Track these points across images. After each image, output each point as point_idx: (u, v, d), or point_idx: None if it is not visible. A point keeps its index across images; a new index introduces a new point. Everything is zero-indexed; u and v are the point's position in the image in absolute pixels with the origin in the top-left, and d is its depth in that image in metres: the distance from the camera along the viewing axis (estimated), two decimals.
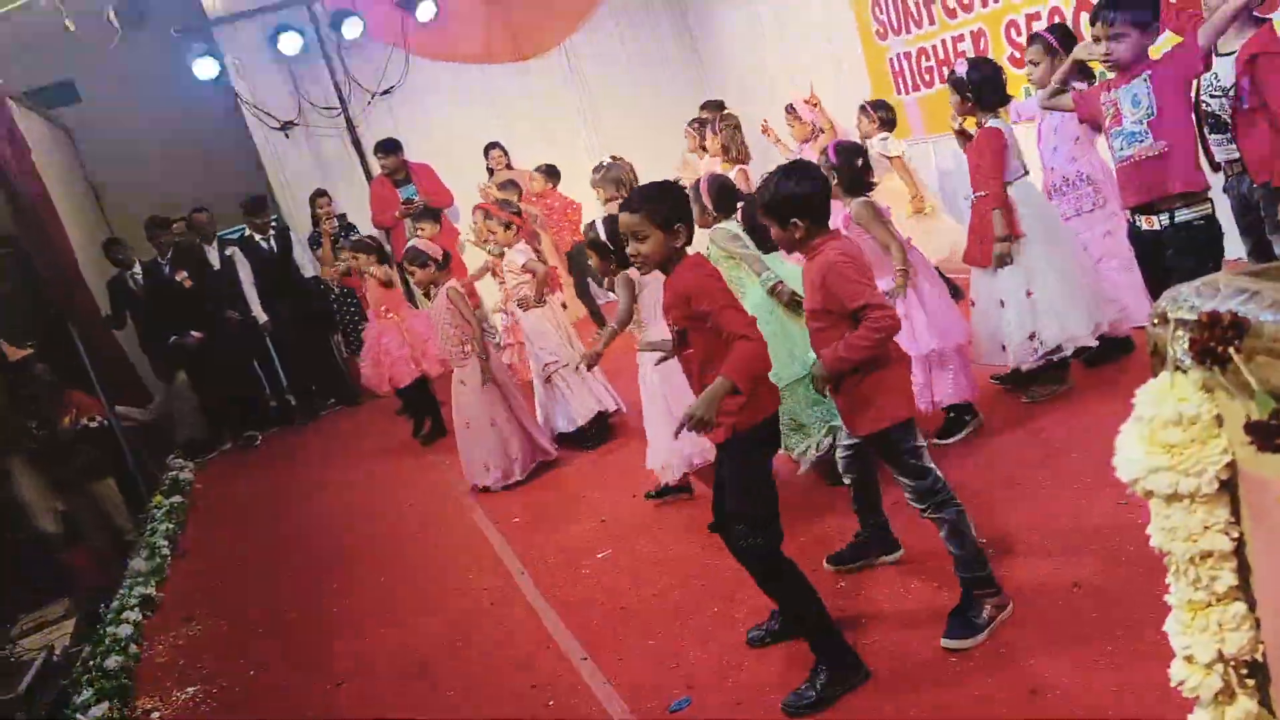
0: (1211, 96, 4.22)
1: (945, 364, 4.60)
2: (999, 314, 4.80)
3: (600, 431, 6.21)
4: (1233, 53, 4.04)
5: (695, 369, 3.18)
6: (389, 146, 9.22)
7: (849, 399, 3.27)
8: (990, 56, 4.99)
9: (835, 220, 4.64)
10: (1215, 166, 4.31)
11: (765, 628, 3.48)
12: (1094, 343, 4.83)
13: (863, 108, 6.93)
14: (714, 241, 4.61)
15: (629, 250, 3.20)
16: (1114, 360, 5.00)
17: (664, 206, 3.10)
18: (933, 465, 3.22)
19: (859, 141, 5.87)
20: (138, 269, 8.85)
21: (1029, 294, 4.70)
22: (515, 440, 5.93)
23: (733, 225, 4.61)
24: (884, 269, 4.41)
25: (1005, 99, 4.80)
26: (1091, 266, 4.96)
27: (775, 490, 3.16)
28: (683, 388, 4.39)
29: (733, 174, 6.06)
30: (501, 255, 6.44)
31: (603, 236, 4.76)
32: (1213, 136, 4.29)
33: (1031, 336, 4.71)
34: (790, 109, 7.49)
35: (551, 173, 9.04)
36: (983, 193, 4.70)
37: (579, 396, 6.12)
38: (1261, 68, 3.93)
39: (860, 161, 4.46)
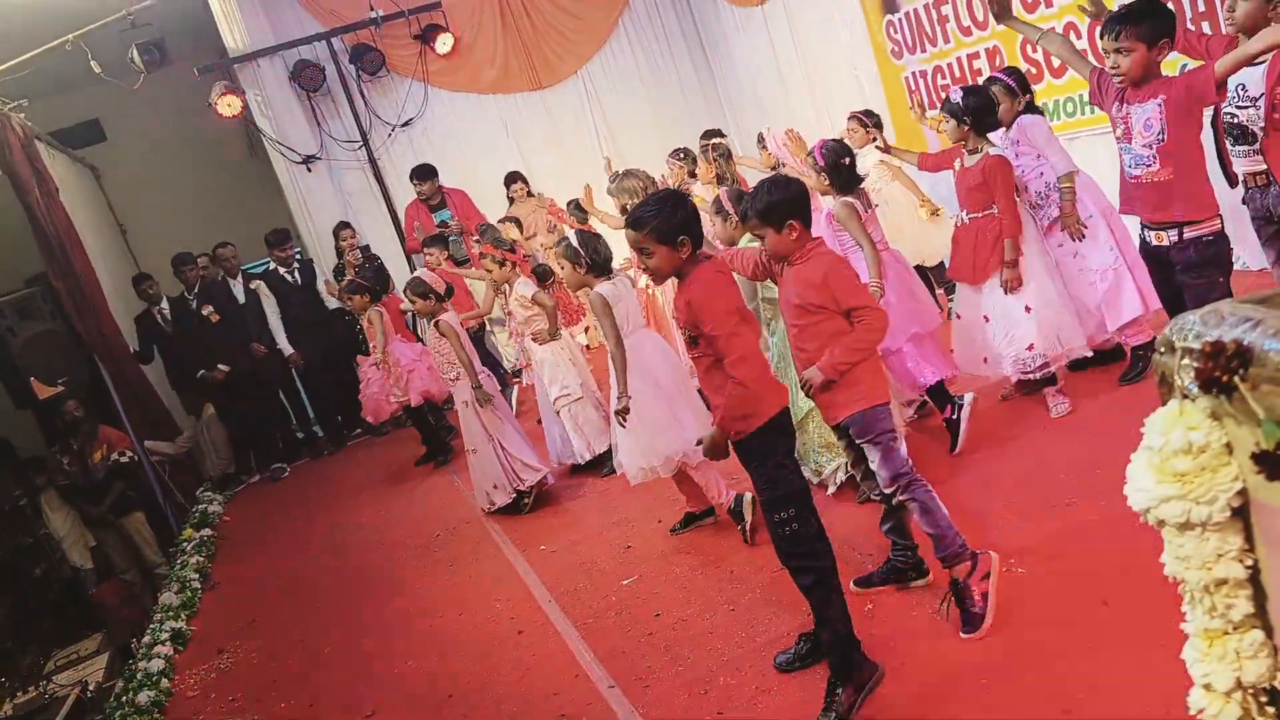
0: (1239, 107, 4.12)
1: (920, 347, 4.84)
2: (984, 329, 4.95)
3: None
4: (1263, 61, 3.93)
5: (703, 370, 3.30)
6: (425, 172, 9.34)
7: (829, 389, 3.43)
8: (981, 85, 5.07)
9: (818, 219, 4.83)
10: (1232, 181, 4.24)
11: (794, 652, 3.48)
12: (1089, 353, 5.02)
13: (854, 117, 6.98)
14: None
15: (639, 265, 3.32)
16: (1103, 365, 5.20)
17: (666, 221, 3.15)
18: (904, 450, 3.48)
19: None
20: (165, 304, 8.95)
21: (1028, 309, 4.82)
22: (497, 466, 5.99)
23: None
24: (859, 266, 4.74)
25: (997, 124, 4.94)
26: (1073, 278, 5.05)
27: (801, 477, 3.27)
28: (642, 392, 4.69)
29: None
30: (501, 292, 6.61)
31: (574, 243, 4.96)
32: (1236, 148, 4.20)
33: (1030, 348, 4.83)
34: (760, 140, 7.54)
35: (582, 211, 9.06)
36: (978, 214, 4.82)
37: (594, 428, 6.17)
38: None
39: (847, 160, 4.81)
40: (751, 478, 3.31)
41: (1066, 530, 3.76)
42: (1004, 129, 5.07)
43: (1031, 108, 5.14)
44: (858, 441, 3.49)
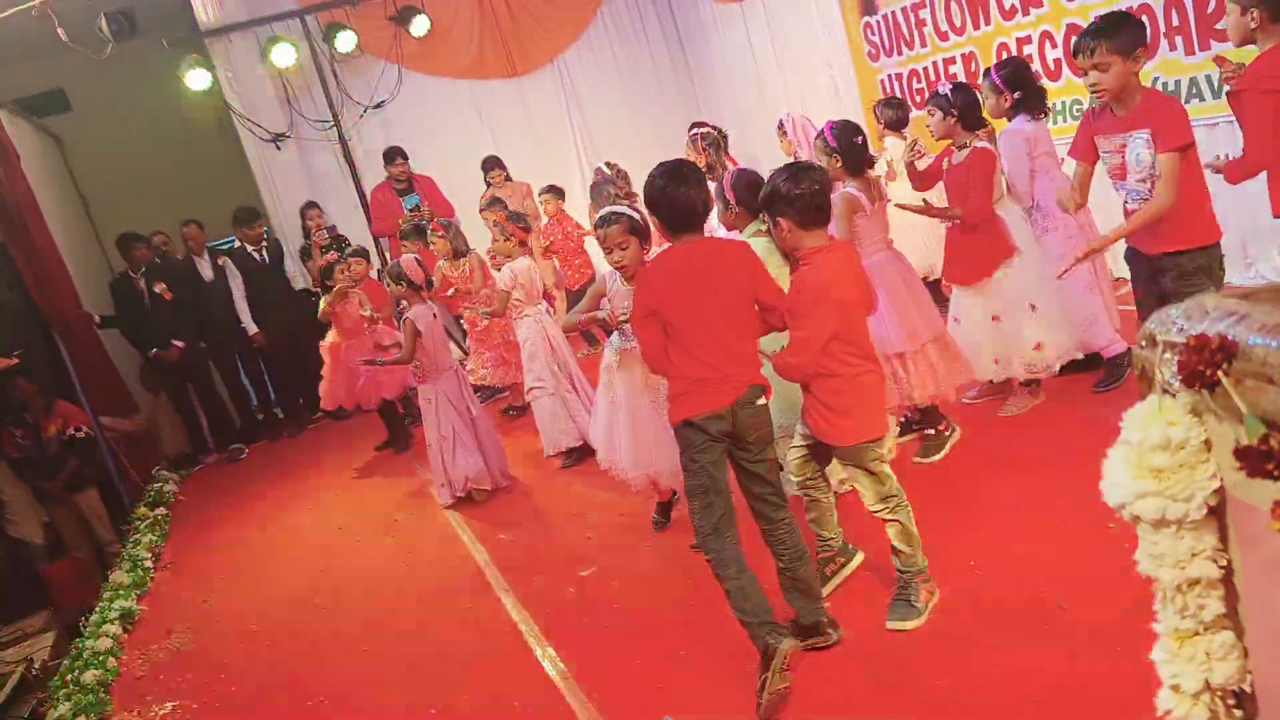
0: None
1: (922, 360, 4.54)
2: (991, 329, 4.83)
3: (579, 453, 6.16)
4: None
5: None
6: (400, 154, 9.28)
7: (826, 413, 3.34)
8: (967, 84, 4.98)
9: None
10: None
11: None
12: (1080, 355, 4.98)
13: (873, 109, 6.93)
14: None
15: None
16: (1085, 370, 5.12)
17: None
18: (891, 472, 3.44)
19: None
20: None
21: (1033, 307, 4.77)
22: (451, 460, 5.97)
23: (763, 241, 4.16)
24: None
25: (983, 122, 4.86)
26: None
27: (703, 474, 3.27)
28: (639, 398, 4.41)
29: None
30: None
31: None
32: None
33: (1038, 347, 4.78)
34: (781, 125, 7.49)
35: (558, 193, 8.95)
36: (958, 211, 4.75)
37: (558, 424, 6.10)
38: (1244, 103, 3.84)
39: (859, 139, 4.43)
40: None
41: (1023, 530, 3.78)
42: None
43: (1026, 105, 4.87)
44: (857, 468, 3.41)
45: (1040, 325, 4.77)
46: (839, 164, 4.42)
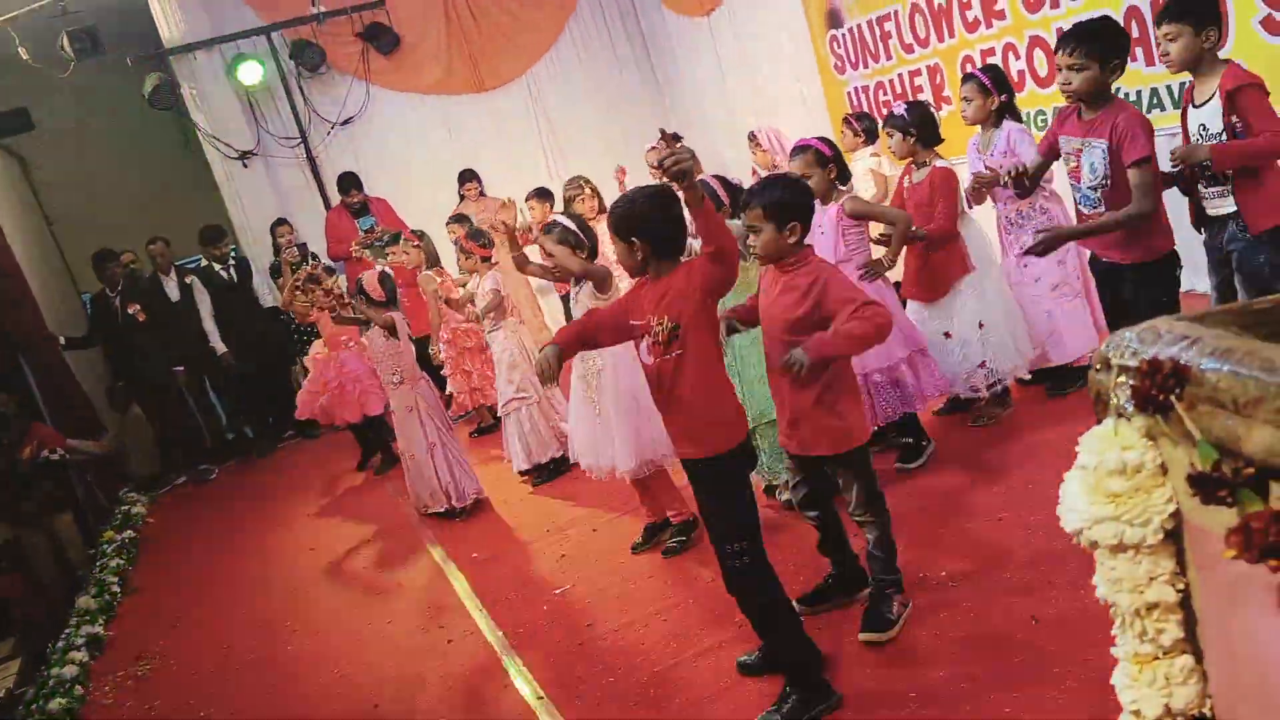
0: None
1: (919, 367, 4.62)
2: (943, 345, 4.89)
3: (555, 467, 6.17)
4: (1211, 99, 3.82)
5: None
6: (356, 182, 9.28)
7: (812, 423, 3.31)
8: (925, 100, 5.03)
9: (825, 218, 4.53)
10: (1200, 224, 4.07)
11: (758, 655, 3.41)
12: (1028, 375, 5.07)
13: (845, 120, 6.96)
14: None
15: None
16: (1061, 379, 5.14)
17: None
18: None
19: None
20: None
21: (981, 325, 4.83)
22: (433, 473, 5.91)
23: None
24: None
25: (939, 139, 4.93)
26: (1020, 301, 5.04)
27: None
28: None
29: None
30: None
31: (571, 225, 4.55)
32: (1210, 189, 3.94)
33: (983, 365, 4.85)
34: (752, 137, 7.52)
35: (545, 195, 8.87)
36: (924, 230, 4.74)
37: (539, 437, 6.08)
38: (1242, 101, 3.74)
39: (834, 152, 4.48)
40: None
41: (993, 543, 3.78)
42: (980, 130, 4.97)
43: (1009, 109, 4.91)
44: (846, 473, 3.39)
45: (986, 345, 4.83)
46: (832, 175, 4.48)
